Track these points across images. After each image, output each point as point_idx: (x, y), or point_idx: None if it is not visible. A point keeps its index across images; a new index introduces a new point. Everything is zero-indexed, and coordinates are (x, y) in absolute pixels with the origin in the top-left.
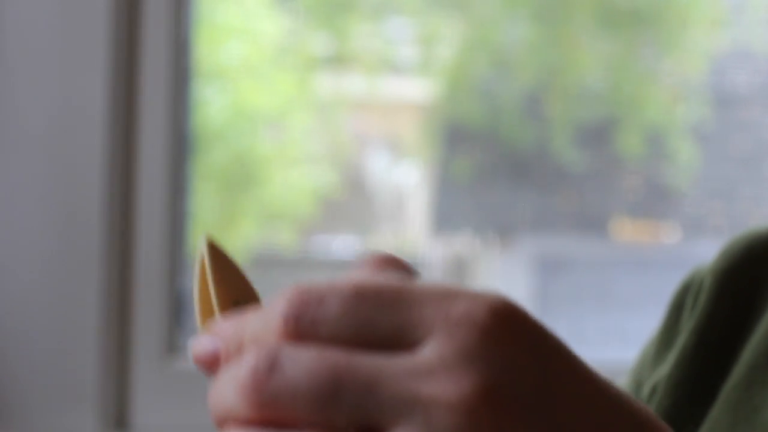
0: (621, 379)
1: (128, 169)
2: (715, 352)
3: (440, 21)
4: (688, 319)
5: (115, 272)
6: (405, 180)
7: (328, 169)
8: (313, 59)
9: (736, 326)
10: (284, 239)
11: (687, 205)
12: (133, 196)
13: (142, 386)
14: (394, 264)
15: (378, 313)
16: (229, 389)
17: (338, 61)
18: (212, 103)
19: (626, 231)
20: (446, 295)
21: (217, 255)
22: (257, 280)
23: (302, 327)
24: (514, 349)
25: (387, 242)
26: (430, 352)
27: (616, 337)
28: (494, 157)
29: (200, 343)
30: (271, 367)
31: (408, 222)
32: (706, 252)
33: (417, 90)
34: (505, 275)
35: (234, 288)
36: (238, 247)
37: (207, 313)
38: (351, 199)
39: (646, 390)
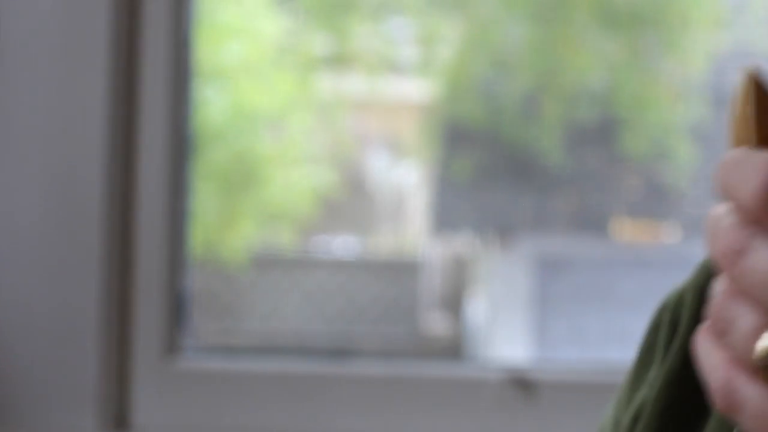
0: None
1: (128, 169)
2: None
3: (440, 21)
4: (667, 339)
5: (114, 272)
6: (405, 180)
7: (328, 169)
8: (314, 59)
9: None
10: (284, 239)
11: (687, 205)
12: (133, 196)
13: (142, 386)
14: None
15: None
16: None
17: (338, 61)
18: (212, 103)
19: (626, 231)
20: None
21: (760, 90)
22: (257, 280)
23: None
24: None
25: (387, 242)
26: None
27: (616, 337)
28: (494, 157)
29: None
30: None
31: (408, 222)
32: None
33: (417, 90)
34: (505, 275)
35: None
36: (238, 247)
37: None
38: (351, 199)
39: (626, 419)
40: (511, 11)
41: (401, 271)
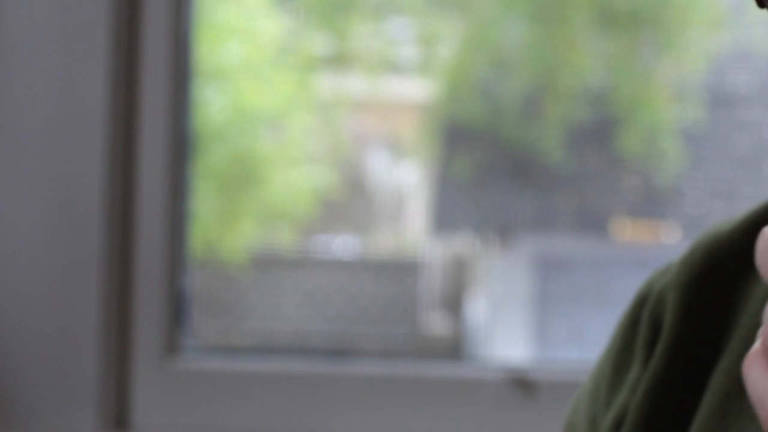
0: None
1: (128, 170)
2: (687, 378)
3: (440, 21)
4: (647, 339)
5: (114, 272)
6: (405, 180)
7: (328, 169)
8: (313, 59)
9: (706, 346)
10: (284, 239)
11: (687, 205)
12: (133, 196)
13: (142, 386)
14: None
15: None
16: None
17: (338, 61)
18: (212, 103)
19: (626, 231)
20: None
21: None
22: (257, 280)
23: None
24: None
25: (387, 242)
26: None
27: None
28: (494, 157)
29: None
30: None
31: (408, 222)
32: None
33: (417, 90)
34: (505, 275)
35: None
36: (238, 247)
37: None
38: (351, 199)
39: (606, 423)
40: (510, 11)
41: (401, 271)
